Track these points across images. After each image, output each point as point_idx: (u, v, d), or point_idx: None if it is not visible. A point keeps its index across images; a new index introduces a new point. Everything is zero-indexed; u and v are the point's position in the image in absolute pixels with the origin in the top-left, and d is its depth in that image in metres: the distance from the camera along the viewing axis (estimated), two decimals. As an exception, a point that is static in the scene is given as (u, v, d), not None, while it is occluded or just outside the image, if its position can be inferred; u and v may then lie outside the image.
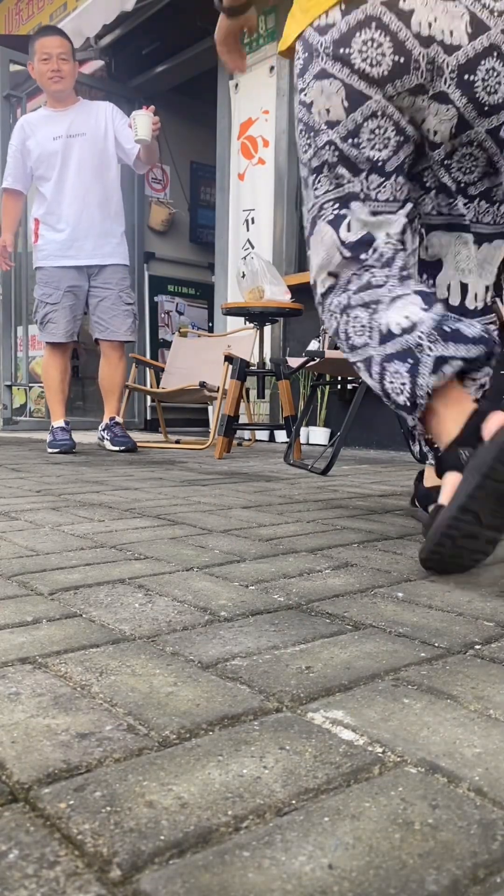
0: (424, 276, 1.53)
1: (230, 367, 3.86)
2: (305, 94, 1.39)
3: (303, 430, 4.61)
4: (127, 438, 3.75)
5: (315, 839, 0.48)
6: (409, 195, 1.41)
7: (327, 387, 4.64)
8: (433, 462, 1.47)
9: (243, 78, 5.11)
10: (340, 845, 0.48)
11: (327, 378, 3.91)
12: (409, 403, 1.26)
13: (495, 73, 1.30)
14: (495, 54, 1.29)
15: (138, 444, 3.89)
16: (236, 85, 5.17)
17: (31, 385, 6.23)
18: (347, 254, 1.38)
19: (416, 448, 1.75)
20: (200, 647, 0.85)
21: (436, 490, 1.31)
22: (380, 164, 1.35)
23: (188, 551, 1.37)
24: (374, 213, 1.37)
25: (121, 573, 1.19)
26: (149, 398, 5.97)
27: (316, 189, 1.43)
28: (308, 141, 1.41)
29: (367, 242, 1.37)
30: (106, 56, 6.30)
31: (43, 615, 0.96)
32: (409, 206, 1.40)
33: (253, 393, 4.32)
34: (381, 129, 1.34)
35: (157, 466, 3.05)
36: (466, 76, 1.30)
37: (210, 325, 6.59)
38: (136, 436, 4.70)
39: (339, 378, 3.76)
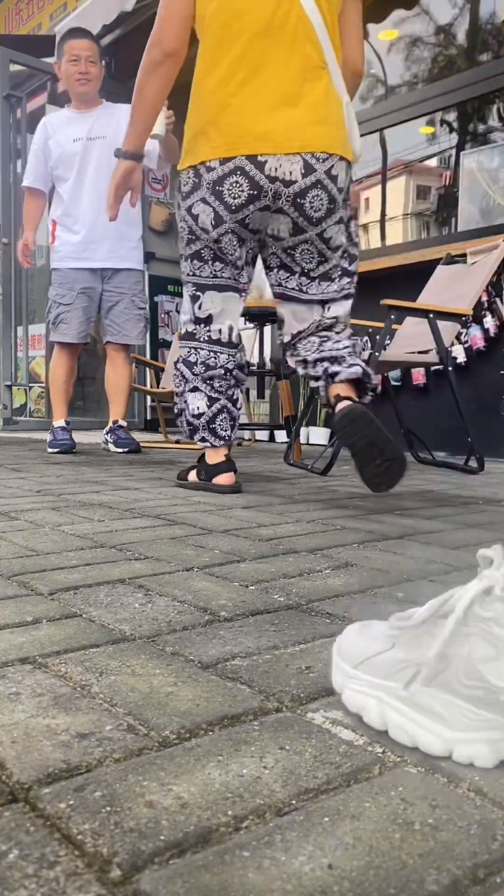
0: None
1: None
2: (192, 209, 2.10)
3: (303, 430, 4.61)
4: (131, 440, 3.75)
5: (315, 839, 0.48)
6: (247, 278, 2.22)
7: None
8: (215, 444, 2.22)
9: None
10: (340, 845, 0.48)
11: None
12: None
13: (317, 198, 2.03)
14: (318, 186, 2.02)
15: (144, 445, 3.89)
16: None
17: (31, 385, 6.23)
18: (192, 327, 2.23)
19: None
20: (200, 647, 0.85)
21: (216, 464, 2.22)
22: (233, 260, 2.14)
23: (188, 551, 1.37)
24: (220, 290, 2.17)
25: (121, 573, 1.19)
26: (149, 398, 5.97)
27: (189, 268, 2.20)
28: (188, 237, 2.16)
29: (207, 321, 2.20)
30: (106, 56, 6.29)
31: (43, 615, 0.96)
32: (245, 284, 2.23)
33: (253, 393, 4.32)
34: (231, 240, 2.10)
35: (157, 466, 3.05)
36: (299, 199, 2.03)
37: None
38: (136, 436, 4.71)
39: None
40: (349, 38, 2.11)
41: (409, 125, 4.48)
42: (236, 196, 2.01)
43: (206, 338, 2.20)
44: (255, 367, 3.81)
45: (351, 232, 2.17)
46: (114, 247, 3.71)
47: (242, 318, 2.86)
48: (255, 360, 3.96)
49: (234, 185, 2.00)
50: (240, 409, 2.29)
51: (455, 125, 4.36)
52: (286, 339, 2.24)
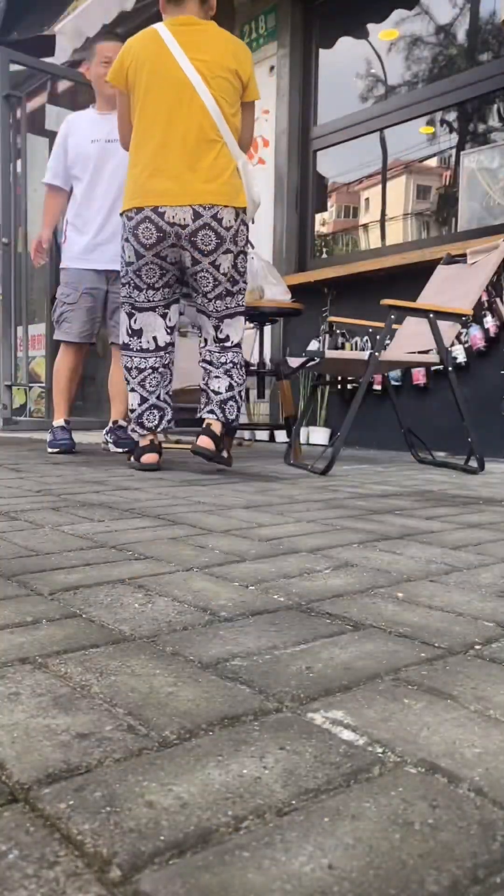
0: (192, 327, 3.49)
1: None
2: (123, 248, 2.85)
3: (303, 430, 4.61)
4: (131, 440, 3.75)
5: (315, 839, 0.48)
6: (169, 300, 2.87)
7: (327, 387, 4.63)
8: (141, 433, 2.92)
9: (243, 78, 5.11)
10: (340, 845, 0.48)
11: (327, 378, 3.91)
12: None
13: (206, 236, 2.72)
14: (206, 227, 2.71)
15: (138, 444, 3.88)
16: (236, 85, 5.18)
17: (31, 385, 6.22)
18: (128, 339, 2.90)
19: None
20: (200, 648, 0.85)
21: (143, 447, 2.92)
22: (150, 285, 2.82)
23: (188, 551, 1.37)
24: (144, 310, 2.85)
25: (121, 573, 1.19)
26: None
27: (125, 293, 2.89)
28: (122, 269, 2.89)
29: (138, 333, 2.87)
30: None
31: (43, 615, 0.96)
32: (171, 307, 2.89)
33: (253, 393, 4.32)
34: (151, 270, 2.80)
35: (153, 468, 3.05)
36: (192, 238, 2.73)
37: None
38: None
39: (339, 378, 3.76)
40: (243, 133, 2.87)
41: (408, 125, 4.48)
42: (148, 238, 2.74)
43: (138, 347, 2.88)
44: (254, 367, 3.81)
45: (237, 262, 2.84)
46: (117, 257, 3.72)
47: (244, 319, 2.99)
48: (254, 360, 3.95)
49: (146, 229, 2.74)
50: (169, 403, 2.93)
51: (455, 125, 4.36)
52: (201, 343, 2.97)
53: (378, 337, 2.85)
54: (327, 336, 4.51)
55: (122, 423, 3.83)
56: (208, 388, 2.87)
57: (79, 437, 3.93)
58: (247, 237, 2.88)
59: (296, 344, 4.83)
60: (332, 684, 0.74)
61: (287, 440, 3.50)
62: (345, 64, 4.83)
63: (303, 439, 4.65)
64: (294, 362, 3.16)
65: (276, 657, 0.82)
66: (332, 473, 2.82)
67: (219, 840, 0.48)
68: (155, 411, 2.88)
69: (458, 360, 3.88)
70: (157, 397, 2.88)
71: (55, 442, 3.62)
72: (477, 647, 0.87)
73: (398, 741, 0.62)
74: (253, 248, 4.62)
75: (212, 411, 2.84)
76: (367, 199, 4.99)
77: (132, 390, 2.89)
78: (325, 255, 5.01)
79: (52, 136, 5.97)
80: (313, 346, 4.61)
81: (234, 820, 0.50)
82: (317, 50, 4.87)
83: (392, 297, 2.81)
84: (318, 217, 5.08)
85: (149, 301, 2.83)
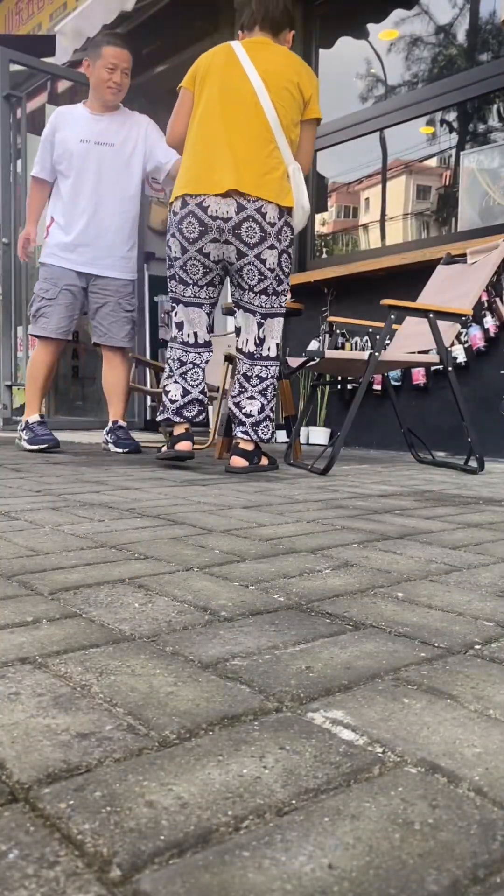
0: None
1: (229, 367, 3.86)
2: (168, 242, 2.93)
3: (303, 430, 4.61)
4: (131, 441, 3.75)
5: (315, 839, 0.48)
6: (213, 299, 2.95)
7: (327, 387, 4.63)
8: (178, 422, 2.96)
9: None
10: (340, 845, 0.48)
11: (327, 378, 3.91)
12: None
13: (251, 229, 2.79)
14: (250, 220, 2.78)
15: (145, 444, 3.88)
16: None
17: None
18: (174, 332, 2.97)
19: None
20: (200, 647, 0.85)
21: (178, 435, 2.95)
22: (195, 281, 2.89)
23: (188, 551, 1.37)
24: (186, 305, 2.91)
25: (121, 573, 1.19)
26: (149, 398, 5.96)
27: (170, 286, 2.97)
28: (168, 263, 2.95)
29: (180, 326, 2.95)
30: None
31: (43, 615, 0.96)
32: (212, 306, 2.97)
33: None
34: (194, 266, 2.87)
35: (157, 466, 3.05)
36: (236, 230, 2.79)
37: (209, 324, 6.59)
38: (136, 436, 4.70)
39: (339, 378, 3.76)
40: (301, 148, 2.94)
41: (408, 125, 4.48)
42: (191, 232, 2.82)
43: (181, 340, 2.94)
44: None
45: (282, 261, 2.88)
46: (100, 255, 3.73)
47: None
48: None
49: (189, 224, 2.81)
50: (206, 400, 3.00)
51: (455, 125, 4.36)
52: (236, 347, 3.02)
53: (378, 337, 2.85)
54: (327, 336, 4.51)
55: (121, 423, 3.83)
56: (240, 409, 2.91)
57: (79, 437, 3.93)
58: (290, 238, 2.91)
59: (296, 344, 4.83)
60: (332, 684, 0.74)
61: (287, 440, 3.50)
62: (345, 63, 4.83)
63: (303, 439, 4.64)
64: (294, 362, 3.16)
65: (277, 657, 0.82)
66: (332, 473, 2.82)
67: (219, 840, 0.48)
68: (197, 405, 2.95)
69: (457, 360, 3.88)
70: (201, 392, 2.96)
71: (37, 439, 3.57)
72: (477, 646, 0.87)
73: (398, 741, 0.62)
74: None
75: (245, 433, 2.90)
76: (367, 199, 4.99)
77: (174, 382, 2.95)
78: (324, 255, 5.01)
79: (52, 136, 5.98)
80: (313, 345, 4.61)
81: (235, 820, 0.50)
82: (317, 51, 4.87)
83: (392, 297, 2.81)
84: (318, 217, 5.08)
85: (194, 297, 2.90)
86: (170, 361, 2.99)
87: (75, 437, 3.71)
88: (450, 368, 2.87)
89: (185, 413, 2.93)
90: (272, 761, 0.58)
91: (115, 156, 3.69)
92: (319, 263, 4.88)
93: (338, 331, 4.43)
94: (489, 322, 3.77)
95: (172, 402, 2.94)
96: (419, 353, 3.08)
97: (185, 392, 2.93)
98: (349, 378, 3.59)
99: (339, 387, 4.55)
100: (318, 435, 4.60)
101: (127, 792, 0.54)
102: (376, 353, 2.78)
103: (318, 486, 2.43)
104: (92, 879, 0.44)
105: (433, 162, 4.56)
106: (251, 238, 2.78)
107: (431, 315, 2.82)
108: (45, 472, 2.71)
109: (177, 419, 2.93)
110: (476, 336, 3.82)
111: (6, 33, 7.51)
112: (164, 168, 3.73)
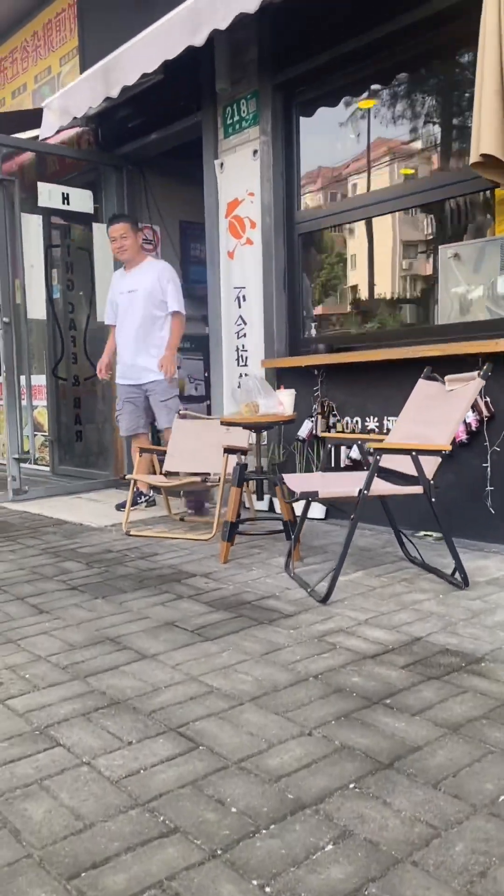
0: None
1: (229, 458, 4.11)
2: None
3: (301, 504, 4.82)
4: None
5: None
6: None
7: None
8: None
9: (228, 159, 5.28)
10: None
11: (329, 446, 4.14)
12: None
13: None
14: None
15: (150, 536, 4.12)
16: (221, 164, 5.34)
17: (35, 434, 6.47)
18: None
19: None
20: None
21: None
22: None
23: (210, 815, 1.61)
24: None
25: (158, 871, 1.43)
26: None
27: None
28: None
29: None
30: (93, 123, 6.45)
31: None
32: None
33: (252, 484, 4.56)
34: None
35: (166, 589, 3.29)
36: None
37: (206, 374, 6.80)
38: (141, 515, 4.96)
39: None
40: None
41: (388, 216, 4.67)
42: None
43: None
44: (254, 473, 4.05)
45: None
46: (140, 371, 5.21)
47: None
48: (251, 453, 4.19)
49: None
50: None
51: (432, 220, 4.56)
52: None
53: (363, 446, 3.08)
54: (319, 417, 4.73)
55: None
56: None
57: (88, 512, 4.14)
58: None
59: (288, 427, 5.04)
60: None
61: (290, 533, 3.73)
62: (326, 131, 5.00)
63: (298, 511, 4.86)
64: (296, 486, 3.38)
65: None
66: (332, 601, 3.06)
67: None
68: None
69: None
70: None
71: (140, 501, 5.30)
72: None
73: None
74: (245, 324, 4.97)
75: None
76: (354, 286, 5.20)
77: None
78: (314, 333, 5.18)
79: (44, 212, 6.16)
80: (306, 426, 4.83)
81: None
82: (298, 138, 5.04)
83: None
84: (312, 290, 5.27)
85: None
86: None
87: (84, 511, 3.90)
88: (432, 499, 3.11)
89: None
90: None
91: (143, 297, 5.10)
92: (311, 342, 5.05)
93: (329, 412, 4.66)
94: (470, 416, 3.99)
95: None
96: (405, 476, 3.31)
97: None
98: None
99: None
100: (316, 510, 4.82)
101: None
102: (365, 491, 3.02)
103: (318, 638, 2.66)
104: None
105: (417, 251, 4.75)
106: None
107: (414, 453, 3.05)
108: (68, 616, 2.94)
109: None
110: (459, 430, 4.04)
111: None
112: (169, 308, 5.14)
